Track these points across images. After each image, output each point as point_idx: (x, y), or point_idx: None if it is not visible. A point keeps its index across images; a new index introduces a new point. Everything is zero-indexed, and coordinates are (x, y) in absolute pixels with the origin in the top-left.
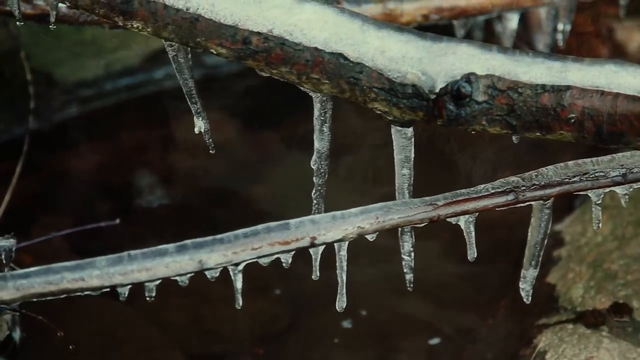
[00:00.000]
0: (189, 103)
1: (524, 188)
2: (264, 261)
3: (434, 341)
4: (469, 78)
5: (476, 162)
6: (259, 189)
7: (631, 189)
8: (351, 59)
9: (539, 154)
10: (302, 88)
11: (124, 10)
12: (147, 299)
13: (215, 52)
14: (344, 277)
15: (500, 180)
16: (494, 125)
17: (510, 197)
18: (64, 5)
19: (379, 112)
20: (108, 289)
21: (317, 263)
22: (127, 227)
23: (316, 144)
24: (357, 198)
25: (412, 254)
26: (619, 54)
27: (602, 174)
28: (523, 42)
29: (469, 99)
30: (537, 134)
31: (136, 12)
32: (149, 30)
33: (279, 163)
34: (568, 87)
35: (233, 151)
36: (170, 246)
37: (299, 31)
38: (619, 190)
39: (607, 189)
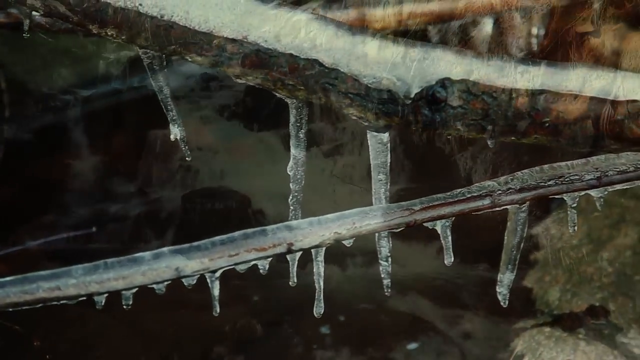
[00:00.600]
0: (164, 110)
1: (500, 192)
2: (241, 268)
3: (412, 346)
4: (443, 83)
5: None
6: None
7: (606, 192)
8: (326, 65)
9: None
10: (277, 94)
11: (98, 18)
12: (124, 307)
13: (190, 59)
14: (322, 283)
15: (476, 184)
16: (469, 130)
17: (487, 201)
18: (38, 14)
19: (355, 118)
20: (84, 298)
21: (295, 269)
22: (103, 234)
23: (292, 151)
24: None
25: (389, 259)
26: (593, 58)
27: (577, 177)
28: (497, 46)
29: (444, 104)
30: (512, 138)
31: (110, 20)
32: (123, 37)
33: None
34: (542, 91)
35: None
36: (147, 254)
37: (273, 37)
38: (594, 193)
39: (582, 192)
